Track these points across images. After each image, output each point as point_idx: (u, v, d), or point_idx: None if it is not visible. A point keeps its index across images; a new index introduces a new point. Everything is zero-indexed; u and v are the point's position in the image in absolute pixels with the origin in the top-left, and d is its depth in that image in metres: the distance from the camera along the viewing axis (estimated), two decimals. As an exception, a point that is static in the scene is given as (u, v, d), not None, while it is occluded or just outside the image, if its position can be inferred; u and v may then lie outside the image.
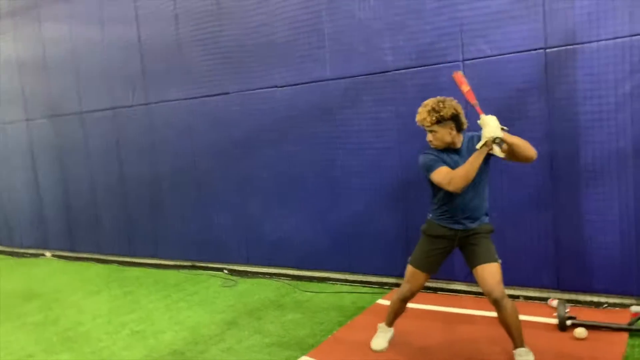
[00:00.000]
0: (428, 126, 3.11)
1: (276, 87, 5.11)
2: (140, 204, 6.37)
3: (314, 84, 4.88)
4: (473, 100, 3.12)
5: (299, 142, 5.08)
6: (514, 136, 3.01)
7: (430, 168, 3.12)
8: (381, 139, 4.62)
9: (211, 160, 5.71)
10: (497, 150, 2.94)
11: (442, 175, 3.05)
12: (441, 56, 4.24)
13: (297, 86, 4.98)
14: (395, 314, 3.55)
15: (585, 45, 3.74)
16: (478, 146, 2.96)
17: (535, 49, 3.90)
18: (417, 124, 3.18)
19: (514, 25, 3.94)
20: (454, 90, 4.14)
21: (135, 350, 3.99)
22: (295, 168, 5.14)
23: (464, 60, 4.15)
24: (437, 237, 3.27)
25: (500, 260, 3.15)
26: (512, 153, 3.03)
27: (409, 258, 3.38)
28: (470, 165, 2.97)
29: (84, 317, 4.84)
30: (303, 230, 5.21)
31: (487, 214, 3.26)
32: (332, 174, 4.93)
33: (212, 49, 5.46)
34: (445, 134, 3.10)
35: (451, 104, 3.10)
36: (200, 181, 5.83)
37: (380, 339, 3.59)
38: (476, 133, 3.14)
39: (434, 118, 3.07)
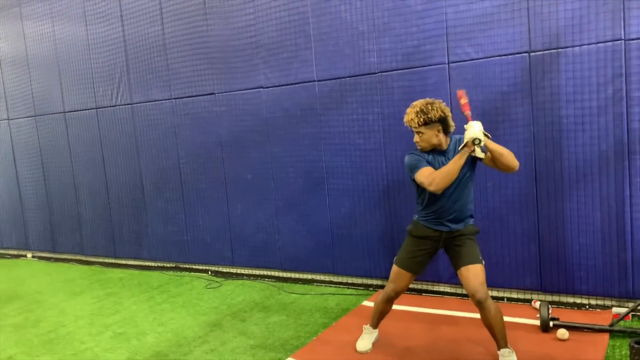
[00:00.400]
0: (415, 127, 3.14)
1: (262, 87, 5.10)
2: (124, 205, 6.30)
3: (299, 85, 4.88)
4: (467, 111, 3.16)
5: (284, 143, 5.07)
6: (497, 144, 3.07)
7: (414, 168, 3.15)
8: (367, 140, 4.62)
9: (196, 161, 5.67)
10: (478, 152, 3.00)
11: (424, 175, 3.07)
12: (427, 58, 4.26)
13: (283, 87, 4.97)
14: (380, 315, 3.56)
15: (569, 49, 3.78)
16: (460, 148, 3.03)
17: (520, 53, 3.93)
18: (405, 124, 3.20)
19: (499, 28, 3.97)
20: (440, 91, 4.19)
21: (118, 352, 3.94)
22: (280, 169, 5.13)
23: (449, 62, 4.17)
24: (422, 237, 3.29)
25: (484, 262, 3.18)
26: (494, 161, 3.11)
27: (395, 258, 3.39)
28: (452, 166, 3.01)
29: (65, 318, 4.78)
30: (288, 232, 5.20)
31: (472, 216, 3.29)
32: (317, 175, 4.93)
33: (197, 49, 5.43)
34: (432, 136, 3.13)
35: (439, 107, 3.13)
36: (185, 182, 5.79)
37: (365, 341, 3.59)
38: (463, 136, 3.16)
39: (421, 119, 3.09)
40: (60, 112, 6.62)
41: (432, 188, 3.03)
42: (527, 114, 3.97)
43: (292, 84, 4.92)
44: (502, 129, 4.03)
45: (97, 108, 6.28)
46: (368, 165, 4.65)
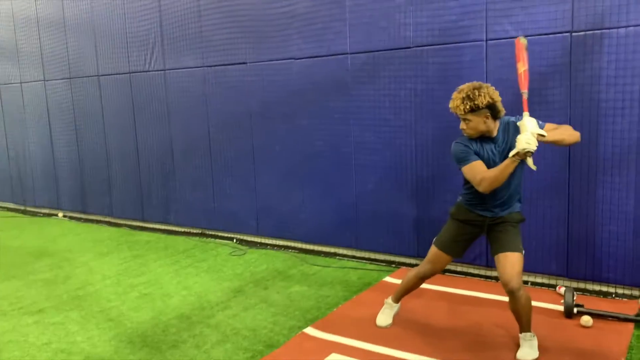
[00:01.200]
0: (462, 114, 2.97)
1: (293, 59, 5.07)
2: (153, 170, 6.40)
3: (332, 57, 4.83)
4: (524, 88, 2.98)
5: (313, 116, 5.05)
6: (556, 132, 2.94)
7: (461, 160, 3.03)
8: (397, 117, 4.57)
9: (225, 130, 5.70)
10: (530, 162, 2.85)
11: (473, 172, 2.97)
12: (464, 34, 4.16)
13: (315, 59, 4.93)
14: (406, 291, 3.56)
15: (613, 30, 3.64)
16: (511, 154, 2.84)
17: (561, 32, 3.81)
18: (450, 110, 3.04)
19: (541, 6, 3.85)
20: (475, 69, 4.10)
21: (143, 312, 4.05)
22: (307, 142, 5.12)
23: (487, 40, 4.07)
24: (465, 221, 3.23)
25: (524, 251, 3.09)
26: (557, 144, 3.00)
27: (435, 239, 3.34)
28: (501, 173, 2.88)
29: (93, 277, 4.92)
30: (313, 205, 5.21)
31: (520, 201, 3.20)
32: (345, 150, 4.91)
33: (231, 18, 5.41)
34: (480, 123, 2.97)
35: (487, 92, 2.94)
36: (213, 150, 5.83)
37: (385, 315, 3.61)
38: (512, 118, 3.05)
39: (467, 106, 2.92)
40: (95, 75, 6.71)
41: (480, 189, 2.95)
42: (564, 96, 3.86)
43: (324, 56, 4.87)
44: (538, 110, 3.92)
45: (130, 73, 6.34)
46: (397, 142, 4.61)
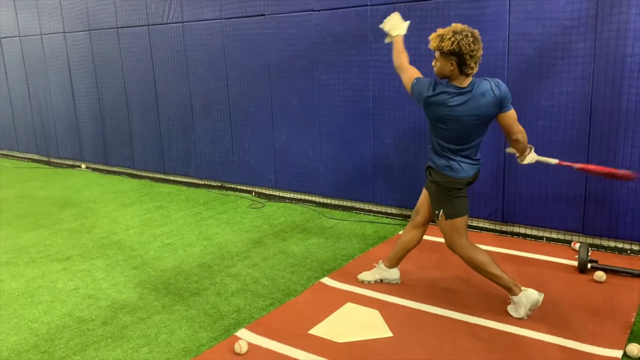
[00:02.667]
0: (432, 49, 2.90)
1: (312, 10, 5.00)
2: (173, 123, 6.47)
3: (351, 9, 4.75)
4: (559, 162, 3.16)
5: (331, 70, 5.01)
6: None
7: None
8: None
9: (243, 83, 5.70)
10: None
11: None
12: (487, -14, 4.05)
13: (334, 10, 4.86)
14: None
15: (643, -19, 3.52)
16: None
17: (588, -17, 3.69)
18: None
19: (568, -44, 3.72)
20: (498, 22, 4.01)
21: (165, 261, 4.19)
22: (326, 96, 5.11)
23: (510, -9, 3.97)
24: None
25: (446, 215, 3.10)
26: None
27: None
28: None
29: (117, 227, 5.07)
30: (331, 159, 5.25)
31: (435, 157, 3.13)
32: (363, 105, 4.90)
33: (249, -32, 5.32)
34: (445, 67, 2.86)
35: (460, 39, 2.74)
36: (232, 103, 5.85)
37: (370, 276, 3.65)
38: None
39: (435, 43, 2.85)
40: (114, 28, 6.70)
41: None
42: (588, 50, 3.78)
43: (344, 8, 4.80)
44: (560, 65, 3.86)
45: (148, 25, 6.32)
46: (416, 96, 4.57)
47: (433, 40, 2.88)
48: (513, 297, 3.09)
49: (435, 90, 2.93)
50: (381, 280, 3.61)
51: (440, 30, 2.86)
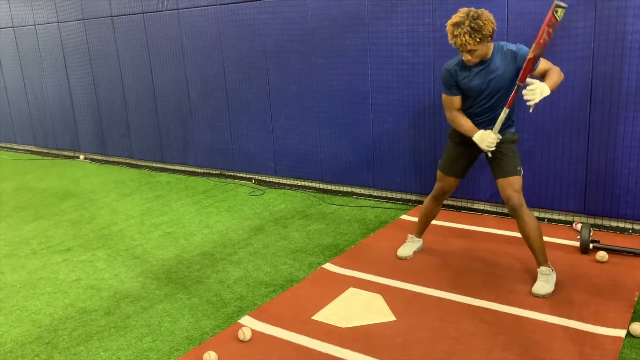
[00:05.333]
0: (471, 47, 2.91)
1: (309, -6, 4.94)
2: (170, 111, 6.42)
3: (348, -8, 4.70)
4: (520, 81, 2.90)
5: (329, 54, 4.97)
6: (549, 81, 2.92)
7: (444, 88, 3.21)
8: (415, 54, 4.49)
9: (240, 70, 5.66)
10: (486, 149, 3.13)
11: (447, 105, 3.23)
12: (485, -34, 3.99)
13: (331, -6, 4.81)
14: (426, 219, 3.68)
15: (643, -43, 3.47)
16: (474, 138, 3.11)
17: (588, -39, 3.64)
18: (452, 45, 2.98)
19: None
20: (496, 2, 3.97)
21: (167, 250, 4.19)
22: (324, 81, 5.07)
23: (509, -30, 3.92)
24: (461, 143, 3.30)
25: (522, 172, 3.20)
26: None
27: (438, 162, 3.49)
28: (460, 127, 3.19)
29: (117, 217, 5.06)
30: (330, 145, 5.23)
31: (512, 125, 3.25)
32: (361, 89, 4.86)
33: (244, -48, 5.25)
34: (483, 48, 2.98)
35: (488, 17, 2.90)
36: (230, 91, 5.81)
37: (407, 248, 3.72)
38: (512, 47, 3.03)
39: (477, 39, 2.87)
40: (108, 16, 6.63)
41: (448, 120, 3.26)
42: (588, 29, 3.74)
43: (340, -9, 4.74)
44: (560, 44, 3.82)
45: (143, 13, 6.25)
46: (415, 80, 4.54)
47: (470, 40, 2.87)
48: (548, 267, 3.14)
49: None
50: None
51: (461, 29, 2.86)
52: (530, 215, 3.12)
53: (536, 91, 2.81)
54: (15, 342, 3.03)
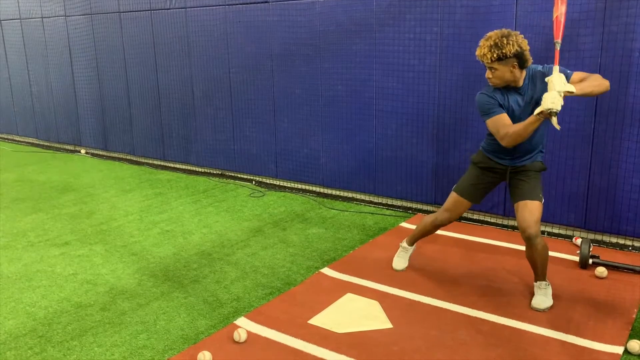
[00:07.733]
0: (488, 63, 2.90)
1: (318, -1, 4.95)
2: (174, 110, 6.42)
3: (357, -2, 4.70)
4: (557, 37, 2.87)
5: (335, 59, 4.97)
6: (585, 85, 2.81)
7: (486, 112, 2.99)
8: (421, 62, 4.48)
9: (246, 72, 5.65)
10: (554, 121, 2.72)
11: (497, 126, 2.93)
12: (495, -23, 4.01)
13: (340, -1, 4.81)
14: (422, 236, 3.61)
15: (653, -25, 3.48)
16: (535, 112, 2.74)
17: (598, -24, 3.65)
18: (477, 58, 2.97)
19: (578, -53, 3.67)
20: (505, 14, 3.97)
21: (164, 248, 4.17)
22: (329, 86, 5.07)
23: (518, -17, 3.92)
24: (486, 168, 3.23)
25: (543, 200, 3.09)
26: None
27: (455, 186, 3.35)
28: (524, 129, 2.82)
29: (116, 213, 5.04)
30: (332, 150, 5.22)
31: (542, 151, 3.16)
32: (366, 95, 4.86)
33: (254, -46, 5.26)
34: (506, 72, 2.90)
35: (515, 40, 2.85)
36: (234, 91, 5.81)
37: (401, 259, 3.68)
38: (539, 67, 2.97)
39: (495, 55, 2.85)
40: (116, 12, 6.63)
41: (503, 143, 2.93)
42: (596, 44, 3.74)
43: (349, -3, 4.75)
44: (567, 58, 3.82)
45: (151, 10, 6.26)
46: (420, 89, 4.54)
47: (489, 52, 2.86)
48: (546, 282, 3.13)
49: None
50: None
51: (486, 42, 2.88)
52: (544, 246, 3.04)
53: (547, 100, 2.66)
54: (9, 334, 3.02)
